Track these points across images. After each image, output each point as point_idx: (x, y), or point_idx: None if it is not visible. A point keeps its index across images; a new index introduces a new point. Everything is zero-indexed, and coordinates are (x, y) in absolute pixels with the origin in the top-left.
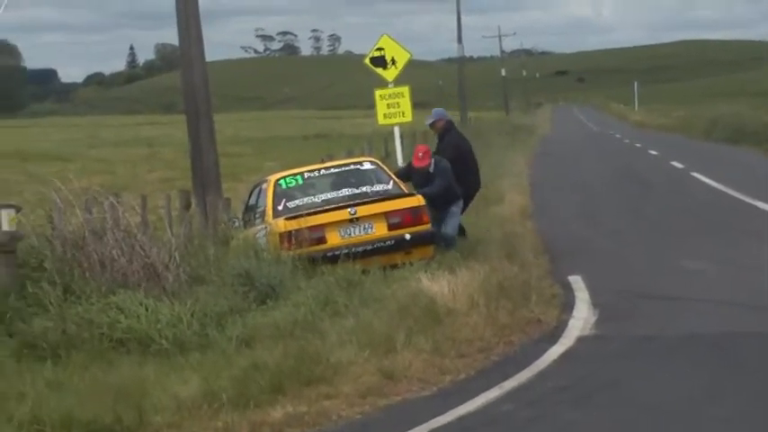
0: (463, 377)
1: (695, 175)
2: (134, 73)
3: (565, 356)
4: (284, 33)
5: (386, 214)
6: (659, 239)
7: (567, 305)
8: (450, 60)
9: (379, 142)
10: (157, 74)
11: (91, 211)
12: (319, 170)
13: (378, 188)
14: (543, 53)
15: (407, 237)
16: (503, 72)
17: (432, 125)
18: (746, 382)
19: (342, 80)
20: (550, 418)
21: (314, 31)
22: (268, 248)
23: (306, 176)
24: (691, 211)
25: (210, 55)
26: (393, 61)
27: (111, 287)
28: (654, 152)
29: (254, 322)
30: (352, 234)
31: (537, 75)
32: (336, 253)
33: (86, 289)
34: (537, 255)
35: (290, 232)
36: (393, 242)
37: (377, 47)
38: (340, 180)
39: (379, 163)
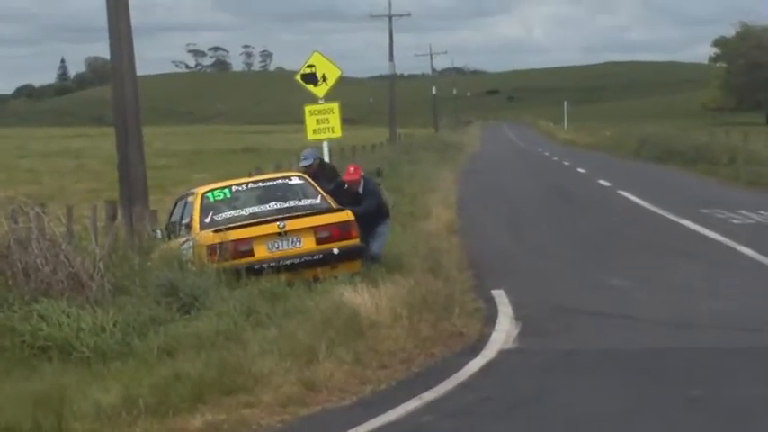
0: (384, 388)
1: (622, 192)
2: (64, 86)
3: (486, 369)
4: (216, 49)
5: (314, 228)
6: (584, 256)
7: (490, 319)
8: (381, 78)
9: None
10: (88, 87)
11: (16, 221)
12: (247, 184)
13: (305, 202)
14: (475, 72)
15: (335, 251)
16: (433, 90)
17: (308, 167)
18: (668, 397)
19: (273, 96)
20: (470, 430)
21: (245, 47)
22: (194, 260)
23: (233, 190)
24: (616, 229)
25: (141, 69)
26: (324, 78)
27: (34, 296)
28: (582, 170)
29: (177, 332)
30: (280, 247)
31: (468, 93)
32: (263, 266)
33: (9, 297)
34: (461, 269)
35: (216, 245)
36: (321, 256)
37: (308, 63)
38: (268, 194)
39: (307, 178)
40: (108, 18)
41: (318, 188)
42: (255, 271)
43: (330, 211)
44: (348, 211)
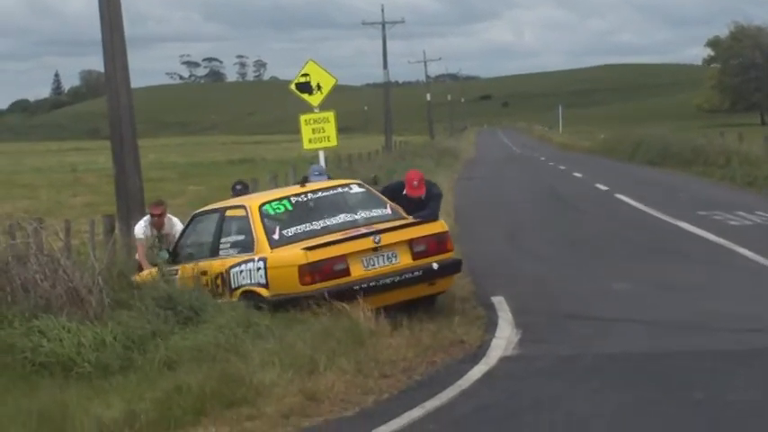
0: (386, 397)
1: (619, 196)
2: (59, 100)
3: (487, 376)
4: (210, 60)
5: (410, 242)
6: (583, 260)
7: (490, 326)
8: (375, 85)
9: (304, 167)
10: (83, 100)
11: (14, 236)
12: (306, 194)
13: (376, 213)
14: (468, 78)
15: (435, 266)
16: (428, 97)
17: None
18: (670, 401)
19: (267, 106)
20: None
21: (239, 57)
22: (270, 285)
23: (293, 201)
24: (614, 233)
25: (135, 81)
26: (318, 87)
27: (34, 311)
28: (578, 174)
29: (177, 345)
30: (376, 264)
31: (462, 99)
32: (363, 286)
33: (8, 314)
34: (461, 276)
35: (313, 264)
36: (420, 272)
37: (302, 72)
38: (332, 204)
39: (367, 186)
40: (102, 31)
41: (382, 196)
42: (349, 294)
43: (420, 222)
44: (442, 222)
